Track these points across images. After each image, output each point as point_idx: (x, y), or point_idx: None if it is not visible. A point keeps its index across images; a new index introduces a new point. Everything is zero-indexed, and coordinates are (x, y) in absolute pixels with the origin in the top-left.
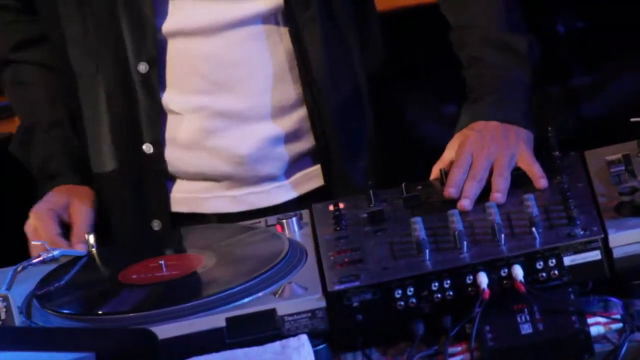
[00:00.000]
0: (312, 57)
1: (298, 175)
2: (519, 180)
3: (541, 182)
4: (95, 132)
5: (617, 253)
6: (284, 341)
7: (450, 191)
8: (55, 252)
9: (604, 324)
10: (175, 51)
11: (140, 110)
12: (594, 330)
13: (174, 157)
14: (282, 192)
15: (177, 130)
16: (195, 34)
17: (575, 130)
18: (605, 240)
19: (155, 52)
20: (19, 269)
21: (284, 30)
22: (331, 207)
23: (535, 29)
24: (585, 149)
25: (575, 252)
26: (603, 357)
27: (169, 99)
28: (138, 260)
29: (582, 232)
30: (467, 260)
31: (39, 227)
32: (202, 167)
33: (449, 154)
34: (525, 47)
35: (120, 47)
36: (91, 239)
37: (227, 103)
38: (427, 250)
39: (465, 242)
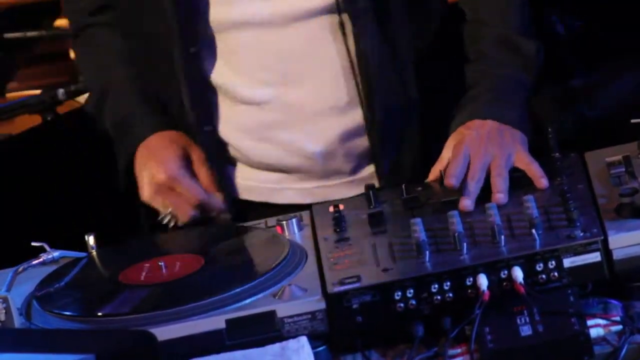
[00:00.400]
0: (367, 52)
1: (366, 170)
2: (519, 182)
3: (542, 181)
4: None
5: (617, 255)
6: (283, 343)
7: (450, 181)
8: (55, 254)
9: (604, 326)
10: (242, 42)
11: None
12: (594, 332)
13: (244, 145)
14: (351, 187)
15: (246, 120)
16: (262, 26)
17: (575, 131)
18: (605, 242)
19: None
20: (19, 270)
21: (347, 24)
22: (331, 209)
23: (535, 29)
24: (585, 150)
25: (575, 254)
26: (603, 359)
27: (236, 88)
28: (138, 261)
29: (582, 234)
30: (467, 262)
31: (181, 188)
32: (271, 159)
33: (446, 153)
34: (534, 51)
35: (178, 32)
36: (91, 240)
37: (294, 96)
38: (427, 252)
39: (465, 244)
